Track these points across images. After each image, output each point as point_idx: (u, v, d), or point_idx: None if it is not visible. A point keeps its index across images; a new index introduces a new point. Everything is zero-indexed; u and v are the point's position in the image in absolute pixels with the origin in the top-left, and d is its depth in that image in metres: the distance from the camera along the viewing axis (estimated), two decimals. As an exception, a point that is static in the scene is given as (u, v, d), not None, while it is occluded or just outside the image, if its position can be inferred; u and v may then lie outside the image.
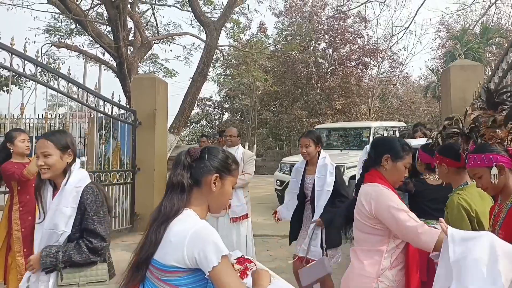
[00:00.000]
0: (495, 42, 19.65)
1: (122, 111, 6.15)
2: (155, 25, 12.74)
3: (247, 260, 1.75)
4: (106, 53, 11.55)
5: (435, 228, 1.66)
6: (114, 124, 6.15)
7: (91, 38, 11.57)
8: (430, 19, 35.75)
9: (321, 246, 3.07)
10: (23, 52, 4.37)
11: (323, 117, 19.14)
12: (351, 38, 20.12)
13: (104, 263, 1.91)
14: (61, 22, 13.19)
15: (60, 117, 6.44)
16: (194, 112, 21.18)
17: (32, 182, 3.30)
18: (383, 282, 1.70)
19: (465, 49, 18.64)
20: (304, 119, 19.40)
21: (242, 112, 22.74)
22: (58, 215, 1.84)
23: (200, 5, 10.61)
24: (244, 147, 5.09)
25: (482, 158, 1.69)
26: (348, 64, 20.56)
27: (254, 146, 18.16)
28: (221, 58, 18.14)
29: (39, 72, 4.64)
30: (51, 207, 1.88)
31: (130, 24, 11.11)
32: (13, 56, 4.23)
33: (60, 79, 4.88)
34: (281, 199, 8.60)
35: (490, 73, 5.26)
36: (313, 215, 3.17)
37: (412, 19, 11.20)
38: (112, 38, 9.95)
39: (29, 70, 4.49)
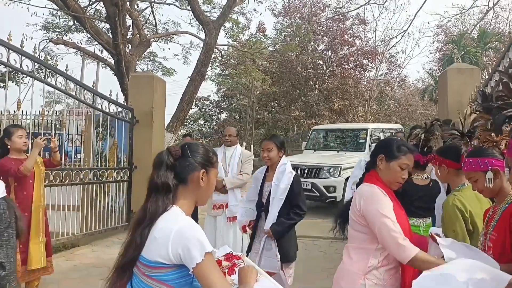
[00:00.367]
0: (493, 47, 19.81)
1: (120, 109, 6.14)
2: (154, 23, 12.71)
3: (235, 256, 1.75)
4: (104, 51, 11.51)
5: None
6: (111, 121, 6.13)
7: (89, 35, 11.53)
8: (429, 23, 35.98)
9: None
10: (20, 47, 4.34)
11: (321, 118, 19.18)
12: (349, 40, 20.18)
13: None
14: (59, 19, 13.14)
15: (57, 114, 6.40)
16: (192, 111, 21.14)
17: (29, 179, 3.30)
18: (370, 279, 1.70)
19: (462, 53, 18.77)
20: (302, 120, 19.44)
21: (240, 112, 22.73)
22: None
23: (199, 4, 10.61)
24: (241, 147, 5.09)
25: (478, 162, 1.70)
26: (346, 66, 20.62)
27: (252, 146, 18.16)
28: (220, 58, 18.12)
29: (36, 68, 4.61)
30: None
31: (129, 21, 11.09)
32: (10, 51, 4.20)
33: (57, 75, 4.86)
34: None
35: (487, 76, 5.29)
36: None
37: (411, 22, 11.28)
38: (111, 36, 9.92)
39: (26, 66, 4.46)
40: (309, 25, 19.98)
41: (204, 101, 23.09)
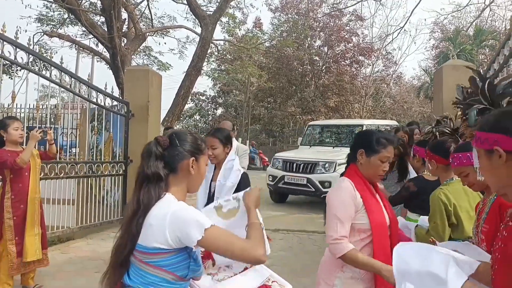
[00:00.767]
0: (488, 44, 19.92)
1: (115, 103, 6.11)
2: (150, 17, 12.63)
3: None
4: (99, 44, 11.42)
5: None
6: (106, 115, 6.10)
7: (84, 29, 11.43)
8: (425, 20, 36.05)
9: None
10: (15, 39, 4.30)
11: (317, 114, 19.24)
12: (346, 36, 20.21)
13: None
14: (53, 11, 12.99)
15: (52, 107, 6.36)
16: (188, 107, 21.10)
17: (25, 171, 3.28)
18: (346, 272, 1.72)
19: (458, 50, 18.87)
20: (298, 116, 19.49)
21: (235, 107, 22.72)
22: None
23: (196, -2, 10.54)
24: (237, 142, 5.11)
25: (467, 156, 1.72)
26: (342, 62, 20.66)
27: (248, 142, 18.17)
28: (216, 53, 18.06)
29: (31, 61, 4.57)
30: None
31: (124, 15, 11.00)
32: (4, 43, 4.16)
33: (52, 68, 4.81)
34: (273, 195, 8.66)
35: (483, 73, 5.33)
36: None
37: (407, 19, 11.33)
38: (106, 29, 9.85)
39: (21, 58, 4.41)
40: (306, 21, 19.97)
41: (200, 96, 23.05)
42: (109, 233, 5.23)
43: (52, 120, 6.18)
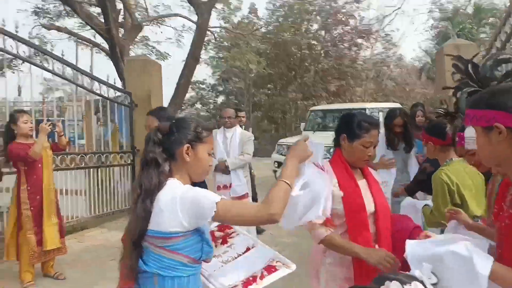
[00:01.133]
0: (488, 23, 19.67)
1: (118, 94, 6.13)
2: (145, 6, 12.50)
3: (227, 226, 1.80)
4: (97, 36, 11.35)
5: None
6: (111, 106, 6.14)
7: (81, 20, 11.33)
8: (423, -1, 35.39)
9: None
10: (15, 33, 4.31)
11: (318, 99, 19.17)
12: (343, 19, 19.97)
13: None
14: (49, 4, 12.86)
15: (57, 100, 6.39)
16: (189, 96, 21.00)
17: (38, 163, 3.35)
18: (328, 257, 1.71)
19: (457, 29, 18.67)
20: (299, 102, 19.42)
21: (236, 95, 22.62)
22: None
23: (190, -15, 10.41)
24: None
25: None
26: (341, 45, 20.45)
27: (250, 129, 18.17)
28: (213, 40, 17.91)
29: (33, 54, 4.59)
30: None
31: (120, 5, 10.89)
32: (6, 37, 4.17)
33: (54, 61, 4.83)
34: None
35: (484, 53, 5.34)
36: None
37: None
38: (103, 20, 9.77)
39: (23, 52, 4.43)
40: (301, 5, 19.70)
41: (200, 84, 22.93)
42: (122, 222, 5.34)
43: (58, 113, 6.21)
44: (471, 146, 1.11)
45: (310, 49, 20.59)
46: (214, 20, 19.86)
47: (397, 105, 10.89)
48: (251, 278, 1.50)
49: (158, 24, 14.71)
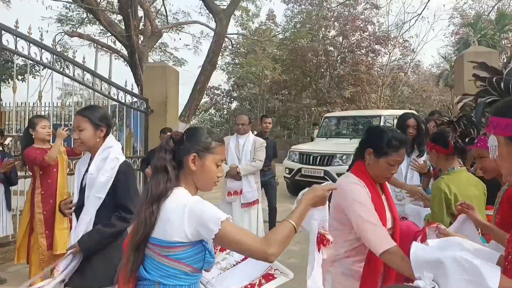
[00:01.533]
0: (511, 29, 19.18)
1: (135, 99, 6.26)
2: (165, 13, 12.76)
3: None
4: (117, 42, 11.65)
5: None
6: (127, 112, 6.27)
7: (102, 27, 11.66)
8: (444, 5, 34.96)
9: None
10: (40, 41, 4.48)
11: (332, 106, 19.06)
12: (361, 25, 19.84)
13: None
14: (72, 12, 13.31)
15: (74, 105, 6.58)
16: (203, 101, 21.20)
17: (54, 167, 3.45)
18: (337, 268, 1.70)
19: (479, 36, 18.26)
20: (313, 108, 19.36)
21: (250, 100, 22.73)
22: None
23: (209, -7, 10.58)
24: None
25: None
26: (358, 52, 20.33)
27: (254, 132, 18.18)
28: (230, 47, 18.09)
29: (54, 60, 4.75)
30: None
31: (141, 13, 11.16)
32: (31, 45, 4.33)
33: (75, 67, 4.99)
34: (290, 187, 8.71)
35: (505, 59, 5.21)
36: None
37: (425, 5, 11.05)
38: (123, 27, 10.02)
39: (46, 58, 4.60)
40: (319, 11, 19.70)
41: (215, 90, 23.16)
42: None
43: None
44: (493, 154, 1.08)
45: (326, 55, 20.54)
46: (232, 27, 20.06)
47: (413, 112, 10.70)
48: (249, 286, 1.51)
49: (177, 31, 14.98)
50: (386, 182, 1.90)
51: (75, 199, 2.14)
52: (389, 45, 20.48)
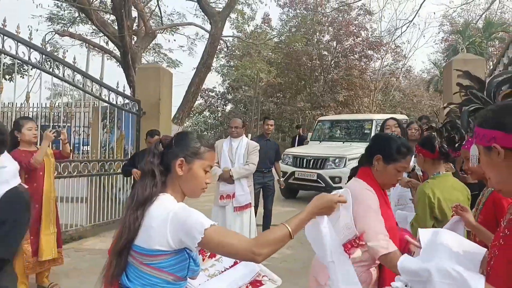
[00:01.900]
0: (498, 37, 19.49)
1: (127, 101, 6.17)
2: (159, 14, 12.68)
3: None
4: (109, 43, 11.53)
5: None
6: (118, 113, 6.17)
7: (94, 27, 11.53)
8: (434, 13, 35.49)
9: None
10: (29, 40, 4.37)
11: (326, 109, 19.12)
12: (355, 30, 19.98)
13: None
14: (64, 10, 13.14)
15: (64, 106, 6.47)
16: (197, 103, 21.13)
17: (40, 171, 3.35)
18: None
19: (467, 43, 18.50)
20: (307, 111, 19.41)
21: (245, 103, 22.71)
22: None
23: (204, -6, 10.54)
24: (247, 138, 5.14)
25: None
26: (351, 56, 20.45)
27: (249, 135, 18.17)
28: (225, 49, 18.06)
29: (44, 60, 4.65)
30: None
31: (134, 13, 11.07)
32: (19, 44, 4.23)
33: (65, 68, 4.89)
34: (283, 190, 8.65)
35: (492, 67, 5.26)
36: None
37: (416, 13, 11.20)
38: (116, 28, 9.92)
39: (35, 58, 4.49)
40: (314, 16, 19.79)
41: (210, 92, 23.09)
42: (122, 230, 5.32)
43: (64, 118, 6.27)
44: (473, 163, 1.10)
45: (320, 59, 20.64)
46: (227, 29, 20.02)
47: (404, 116, 10.77)
48: None
49: (172, 32, 14.89)
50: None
51: None
52: (382, 51, 20.64)
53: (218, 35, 9.96)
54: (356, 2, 17.09)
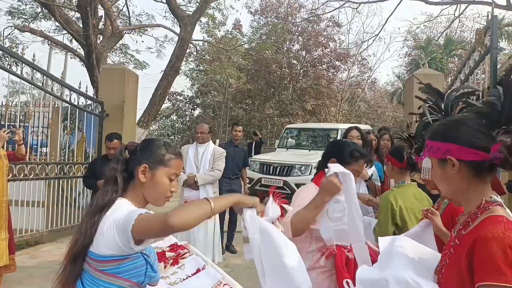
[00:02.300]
0: (457, 54, 20.80)
1: (89, 102, 5.97)
2: (127, 14, 12.40)
3: (180, 246, 1.76)
4: (73, 41, 11.11)
5: None
6: (79, 114, 5.96)
7: (57, 24, 11.08)
8: (399, 28, 37.29)
9: None
10: (-17, 34, 4.14)
11: (294, 117, 19.43)
12: (323, 41, 20.53)
13: None
14: (26, 5, 12.53)
15: (22, 105, 6.14)
16: (165, 106, 20.78)
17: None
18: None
19: (429, 58, 19.60)
20: (276, 119, 19.61)
21: (213, 108, 22.59)
22: None
23: (175, -3, 10.44)
24: (215, 144, 5.13)
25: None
26: (320, 66, 20.97)
27: (217, 141, 18.11)
28: (195, 53, 17.93)
29: (1, 56, 4.41)
30: None
31: (101, 12, 10.75)
32: (-28, 38, 4.00)
33: (23, 65, 4.66)
34: (249, 197, 8.63)
35: (450, 82, 5.61)
36: None
37: (382, 27, 11.73)
38: (81, 26, 9.58)
39: (-10, 54, 4.26)
40: (284, 25, 20.14)
41: (178, 96, 22.76)
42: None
43: (22, 118, 5.97)
44: (426, 176, 1.13)
45: (290, 67, 20.99)
46: (197, 33, 19.86)
47: (368, 127, 11.20)
48: None
49: (140, 33, 14.60)
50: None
51: None
52: (349, 62, 21.33)
53: (188, 38, 9.88)
54: (325, 14, 17.65)
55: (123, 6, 11.69)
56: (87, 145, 5.95)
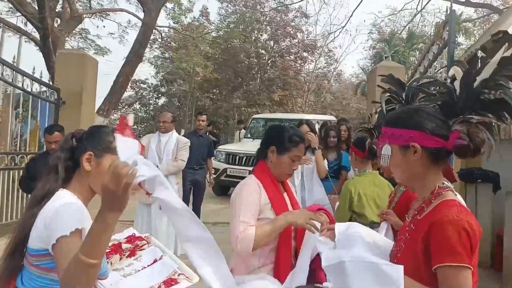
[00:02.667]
0: (419, 47, 21.65)
1: (44, 88, 5.62)
2: (87, -3, 11.76)
3: (139, 238, 1.71)
4: (28, 23, 10.39)
5: None
6: (33, 102, 5.60)
7: (10, 5, 10.32)
8: (364, 21, 38.18)
9: None
10: None
11: (262, 107, 19.48)
12: (291, 32, 20.62)
13: None
14: (-27, -18, 11.52)
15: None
16: (127, 94, 20.09)
17: None
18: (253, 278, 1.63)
19: (392, 51, 20.26)
20: (243, 109, 19.58)
21: (179, 97, 22.16)
22: None
23: (138, -19, 10.02)
24: (180, 134, 5.02)
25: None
26: (287, 57, 21.10)
27: (182, 131, 17.85)
28: (160, 40, 17.40)
29: None
30: None
31: (58, -7, 10.11)
32: None
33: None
34: (215, 187, 8.60)
35: (410, 75, 5.82)
36: None
37: (348, 19, 11.97)
38: (37, 8, 8.96)
39: None
40: (253, 14, 20.00)
41: (141, 84, 22.08)
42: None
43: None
44: (385, 163, 1.14)
45: (258, 57, 20.94)
46: (163, 19, 19.27)
47: (333, 118, 11.43)
48: None
49: (101, 17, 13.92)
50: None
51: None
52: (316, 54, 21.61)
53: (152, 24, 9.55)
54: (293, 4, 17.68)
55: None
56: (41, 134, 5.62)
